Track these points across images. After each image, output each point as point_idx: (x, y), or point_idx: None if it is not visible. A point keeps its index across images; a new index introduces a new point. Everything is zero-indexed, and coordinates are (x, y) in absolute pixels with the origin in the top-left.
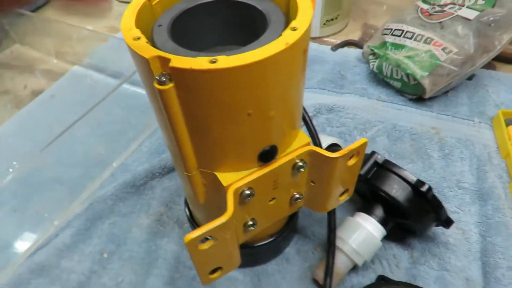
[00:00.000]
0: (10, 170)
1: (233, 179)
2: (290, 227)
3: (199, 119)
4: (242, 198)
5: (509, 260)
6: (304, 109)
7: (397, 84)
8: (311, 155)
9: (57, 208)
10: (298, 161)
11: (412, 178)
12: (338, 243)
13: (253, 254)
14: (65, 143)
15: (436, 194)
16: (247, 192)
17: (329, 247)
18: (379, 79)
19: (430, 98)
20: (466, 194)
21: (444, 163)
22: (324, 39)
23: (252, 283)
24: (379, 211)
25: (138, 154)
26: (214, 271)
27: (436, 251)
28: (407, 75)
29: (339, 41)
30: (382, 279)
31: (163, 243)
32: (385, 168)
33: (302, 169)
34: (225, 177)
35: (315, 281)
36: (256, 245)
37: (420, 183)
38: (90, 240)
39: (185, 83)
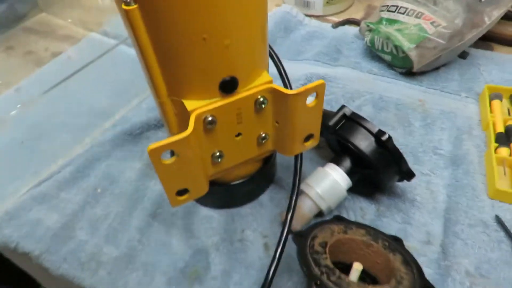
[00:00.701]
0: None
1: (197, 106)
2: (264, 172)
3: (163, 43)
4: (205, 125)
5: (471, 219)
6: (272, 50)
7: (388, 58)
8: (272, 92)
9: (61, 149)
10: (259, 97)
11: (374, 128)
12: (306, 188)
13: (229, 193)
14: (73, 94)
15: (411, 157)
16: (210, 118)
17: (293, 188)
18: (373, 54)
19: (421, 73)
20: (440, 159)
21: (424, 131)
22: (327, 17)
23: (226, 221)
24: (347, 163)
25: (138, 109)
26: (181, 193)
27: (402, 207)
28: (396, 47)
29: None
30: (337, 218)
31: (151, 184)
32: (352, 120)
33: (263, 105)
34: (190, 104)
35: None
36: (232, 183)
37: (381, 132)
38: (87, 177)
39: (146, 4)
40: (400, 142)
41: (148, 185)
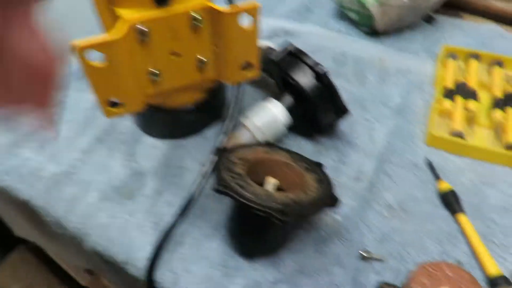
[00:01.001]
0: None
1: (129, 14)
2: (209, 103)
3: None
4: (138, 35)
5: (403, 161)
6: None
7: (354, 16)
8: (206, 11)
9: None
10: (193, 14)
11: (312, 61)
12: (245, 120)
13: (173, 120)
14: None
15: (359, 106)
16: (142, 29)
17: (227, 115)
18: (342, 14)
19: (385, 34)
20: (387, 110)
21: (378, 85)
22: None
23: (169, 150)
24: (288, 99)
25: None
26: (115, 105)
27: (340, 148)
28: (360, 3)
29: None
30: (268, 144)
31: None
32: (295, 56)
33: (199, 24)
34: (124, 12)
35: None
36: (176, 109)
37: (318, 66)
38: None
39: None
40: (353, 91)
41: (100, 115)
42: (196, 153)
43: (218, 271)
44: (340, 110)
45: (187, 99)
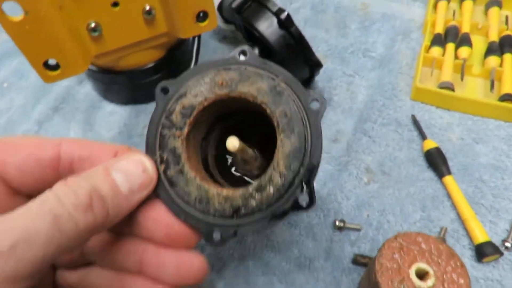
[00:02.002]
0: None
1: None
2: (169, 61)
3: None
4: None
5: (384, 118)
6: None
7: None
8: None
9: None
10: None
11: (275, 8)
12: None
13: (131, 83)
14: None
15: (338, 58)
16: None
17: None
18: None
19: None
20: (369, 61)
21: (359, 33)
22: None
23: (129, 117)
24: (255, 52)
25: None
26: (53, 68)
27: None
28: None
29: None
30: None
31: (60, 81)
32: (257, 1)
33: None
34: None
35: None
36: (132, 69)
37: (280, 10)
38: None
39: None
40: (331, 43)
41: (56, 82)
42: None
43: None
44: (313, 63)
45: (145, 59)
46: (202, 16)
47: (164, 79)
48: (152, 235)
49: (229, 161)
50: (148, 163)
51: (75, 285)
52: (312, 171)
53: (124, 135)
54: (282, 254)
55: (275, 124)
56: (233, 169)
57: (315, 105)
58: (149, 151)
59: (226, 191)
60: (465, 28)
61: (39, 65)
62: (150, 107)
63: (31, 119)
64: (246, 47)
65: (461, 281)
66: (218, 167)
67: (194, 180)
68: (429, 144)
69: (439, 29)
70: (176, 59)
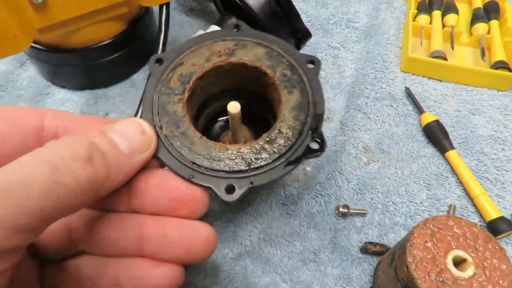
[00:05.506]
0: None
1: None
2: (130, 36)
3: None
4: None
5: (377, 92)
6: None
7: None
8: None
9: None
10: None
11: None
12: None
13: (86, 63)
14: None
15: (319, 30)
16: None
17: (156, 45)
18: None
19: None
20: (353, 32)
21: (340, 3)
22: None
23: (87, 104)
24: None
25: None
26: None
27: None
28: None
29: None
30: (235, 26)
31: None
32: None
33: None
34: None
35: None
36: (87, 46)
37: None
38: None
39: None
40: (311, 13)
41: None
42: (122, 105)
43: None
44: (300, 33)
45: (101, 34)
46: None
47: (124, 58)
48: (154, 204)
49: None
50: (145, 125)
51: (63, 281)
52: (318, 119)
53: None
54: (282, 249)
55: (277, 83)
56: None
57: (310, 65)
58: (146, 114)
59: (236, 146)
60: None
61: None
62: (111, 91)
63: None
64: (239, 21)
65: (503, 266)
66: None
67: (200, 140)
68: (428, 117)
69: None
70: (139, 34)
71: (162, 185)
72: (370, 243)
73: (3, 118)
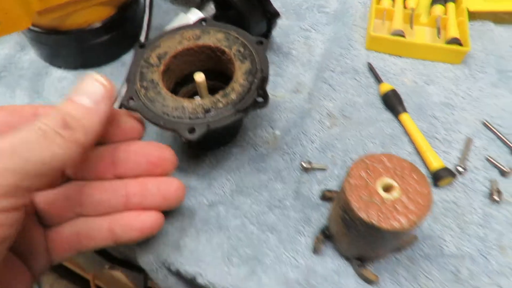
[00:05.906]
0: None
1: None
2: (120, 20)
3: None
4: None
5: (342, 67)
6: None
7: None
8: None
9: None
10: None
11: None
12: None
13: (80, 44)
14: None
15: (293, 14)
16: None
17: (142, 23)
18: None
19: None
20: (324, 17)
21: None
22: None
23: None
24: (210, 7)
25: None
26: None
27: (275, 60)
28: None
29: None
30: (202, 22)
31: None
32: None
33: None
34: None
35: None
36: (81, 29)
37: None
38: None
39: None
40: (284, 0)
41: None
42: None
43: None
44: (270, 14)
45: (93, 17)
46: None
47: (115, 40)
48: (135, 168)
49: None
50: (100, 77)
51: (64, 239)
52: (263, 80)
53: None
54: (252, 198)
55: (233, 57)
56: None
57: (260, 45)
58: (130, 83)
59: (197, 100)
60: None
61: None
62: (103, 70)
63: None
64: (206, 17)
65: (425, 191)
66: None
67: (170, 97)
68: (385, 87)
69: None
70: (127, 18)
71: (140, 152)
72: (329, 190)
73: None
